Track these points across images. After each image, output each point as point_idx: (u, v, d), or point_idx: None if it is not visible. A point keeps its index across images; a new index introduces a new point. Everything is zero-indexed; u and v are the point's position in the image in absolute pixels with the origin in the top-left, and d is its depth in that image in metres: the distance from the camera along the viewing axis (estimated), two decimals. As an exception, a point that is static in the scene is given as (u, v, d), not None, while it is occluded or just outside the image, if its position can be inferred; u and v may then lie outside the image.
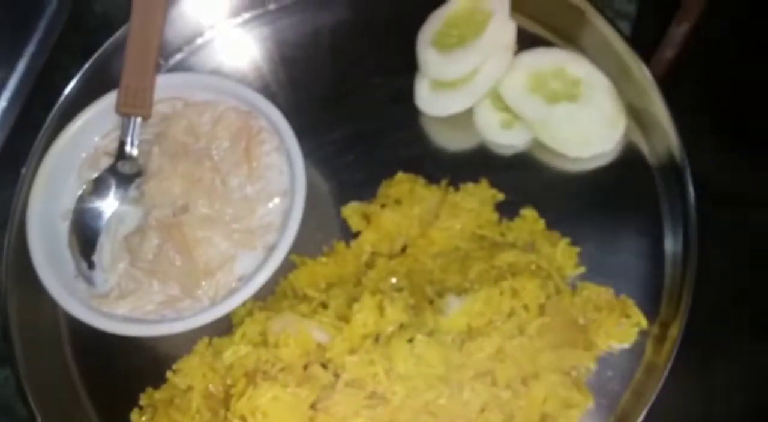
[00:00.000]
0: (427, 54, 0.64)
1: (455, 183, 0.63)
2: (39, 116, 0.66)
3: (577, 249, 0.59)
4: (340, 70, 0.68)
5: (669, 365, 0.56)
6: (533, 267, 0.56)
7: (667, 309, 0.58)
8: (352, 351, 0.52)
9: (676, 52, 0.66)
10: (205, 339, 0.58)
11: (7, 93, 0.66)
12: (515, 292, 0.54)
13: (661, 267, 0.59)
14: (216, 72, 0.69)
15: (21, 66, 0.67)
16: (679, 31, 0.65)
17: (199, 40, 0.71)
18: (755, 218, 0.60)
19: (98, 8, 0.75)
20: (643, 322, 0.57)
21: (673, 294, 0.58)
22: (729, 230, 0.59)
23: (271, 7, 0.71)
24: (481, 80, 0.62)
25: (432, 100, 0.65)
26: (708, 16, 0.65)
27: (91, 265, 0.61)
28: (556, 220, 0.61)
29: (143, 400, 0.59)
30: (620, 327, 0.56)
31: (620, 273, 0.59)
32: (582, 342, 0.54)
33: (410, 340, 0.51)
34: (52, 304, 0.62)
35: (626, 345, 0.57)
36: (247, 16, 0.71)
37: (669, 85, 0.63)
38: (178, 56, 0.70)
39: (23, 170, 0.64)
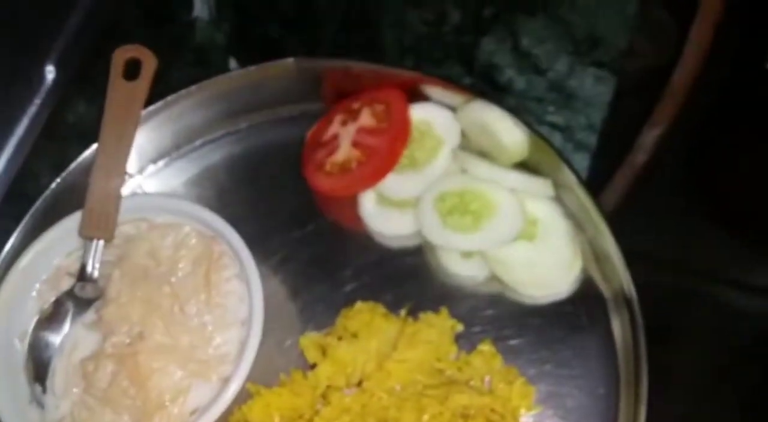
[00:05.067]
0: None
1: (416, 310, 0.63)
2: (8, 226, 0.66)
3: (533, 389, 0.59)
4: (308, 189, 0.68)
5: None
6: (487, 410, 0.56)
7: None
8: None
9: (647, 157, 0.68)
10: (153, 478, 0.57)
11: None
12: (466, 439, 0.53)
13: (617, 406, 0.60)
14: (179, 193, 0.70)
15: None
16: (651, 135, 0.67)
17: (161, 162, 0.71)
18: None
19: (71, 118, 0.76)
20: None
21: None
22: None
23: (243, 125, 0.72)
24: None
25: (376, 216, 0.66)
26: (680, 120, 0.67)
27: (44, 389, 0.61)
28: (514, 354, 0.61)
29: None
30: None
31: (577, 413, 0.59)
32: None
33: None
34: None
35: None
36: (210, 137, 0.72)
37: (641, 185, 0.65)
38: (140, 177, 0.71)
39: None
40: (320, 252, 0.67)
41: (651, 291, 0.60)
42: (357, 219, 0.67)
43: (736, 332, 0.64)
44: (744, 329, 0.65)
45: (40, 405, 0.61)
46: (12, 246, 0.65)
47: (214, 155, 0.72)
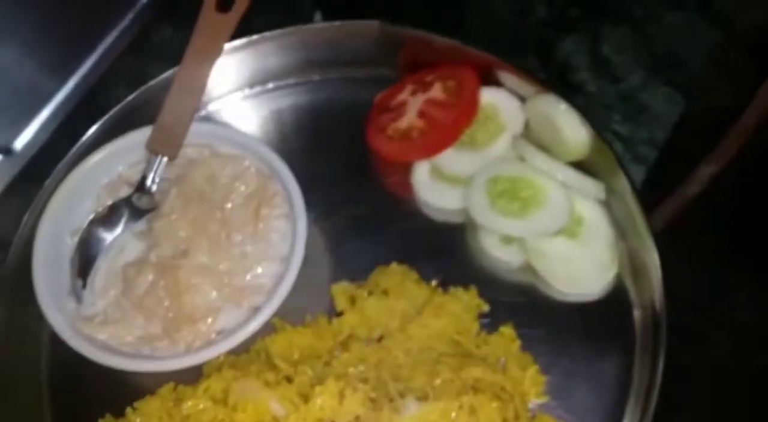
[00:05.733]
0: None
1: (446, 283, 0.65)
2: (78, 131, 0.70)
3: (544, 378, 0.60)
4: (366, 150, 0.70)
5: None
6: (497, 388, 0.57)
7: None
8: (304, 432, 0.53)
9: (699, 190, 0.69)
10: (171, 384, 0.60)
11: (52, 106, 0.70)
12: (473, 410, 0.55)
13: (623, 412, 0.61)
14: (244, 129, 0.72)
15: (72, 82, 0.72)
16: (708, 169, 0.68)
17: (233, 96, 0.74)
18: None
19: (157, 39, 0.79)
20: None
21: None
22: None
23: (316, 77, 0.75)
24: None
25: (427, 187, 0.68)
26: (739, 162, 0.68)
27: (84, 285, 0.64)
28: (532, 342, 0.63)
29: (100, 425, 0.61)
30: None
31: (583, 411, 0.61)
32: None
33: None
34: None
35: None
36: (283, 82, 0.74)
37: (687, 217, 0.66)
38: (212, 106, 0.74)
39: (46, 183, 0.67)
40: (366, 211, 0.69)
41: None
42: (408, 186, 0.69)
43: (751, 379, 0.64)
44: (758, 379, 0.65)
45: (78, 299, 0.64)
46: (80, 147, 0.69)
47: (283, 100, 0.75)
